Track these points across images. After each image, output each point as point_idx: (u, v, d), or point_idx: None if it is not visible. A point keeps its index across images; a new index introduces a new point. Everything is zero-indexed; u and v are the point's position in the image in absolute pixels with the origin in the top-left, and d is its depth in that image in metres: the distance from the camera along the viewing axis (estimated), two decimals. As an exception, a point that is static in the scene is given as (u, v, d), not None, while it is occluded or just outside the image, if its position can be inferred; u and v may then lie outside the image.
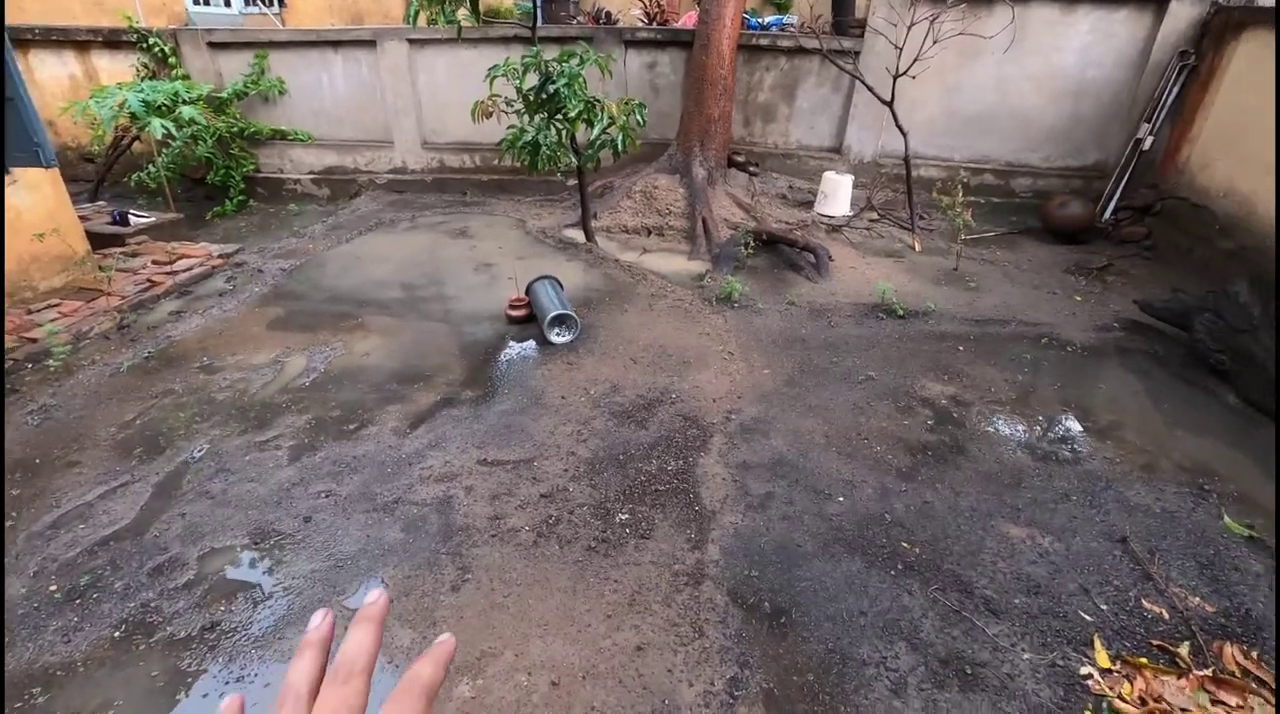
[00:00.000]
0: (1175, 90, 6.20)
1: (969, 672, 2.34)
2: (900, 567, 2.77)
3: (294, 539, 2.88)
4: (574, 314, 4.47)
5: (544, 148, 4.92)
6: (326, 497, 3.12)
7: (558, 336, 4.45)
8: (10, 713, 2.18)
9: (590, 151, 5.26)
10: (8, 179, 4.66)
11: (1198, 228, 5.85)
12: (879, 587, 2.67)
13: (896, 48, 6.01)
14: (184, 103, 6.79)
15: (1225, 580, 2.74)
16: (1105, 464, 3.43)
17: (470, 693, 2.25)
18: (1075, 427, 3.73)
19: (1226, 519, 3.06)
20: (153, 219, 6.37)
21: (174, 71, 7.51)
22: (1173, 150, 6.37)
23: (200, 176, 7.64)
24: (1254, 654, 2.41)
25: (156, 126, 6.41)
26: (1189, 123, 6.18)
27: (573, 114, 4.85)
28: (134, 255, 5.64)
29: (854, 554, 2.82)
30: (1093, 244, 6.35)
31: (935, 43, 6.00)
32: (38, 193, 4.79)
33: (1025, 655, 2.40)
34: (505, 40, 7.18)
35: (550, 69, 4.89)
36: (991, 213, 6.81)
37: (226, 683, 2.28)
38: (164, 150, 7.03)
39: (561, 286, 4.79)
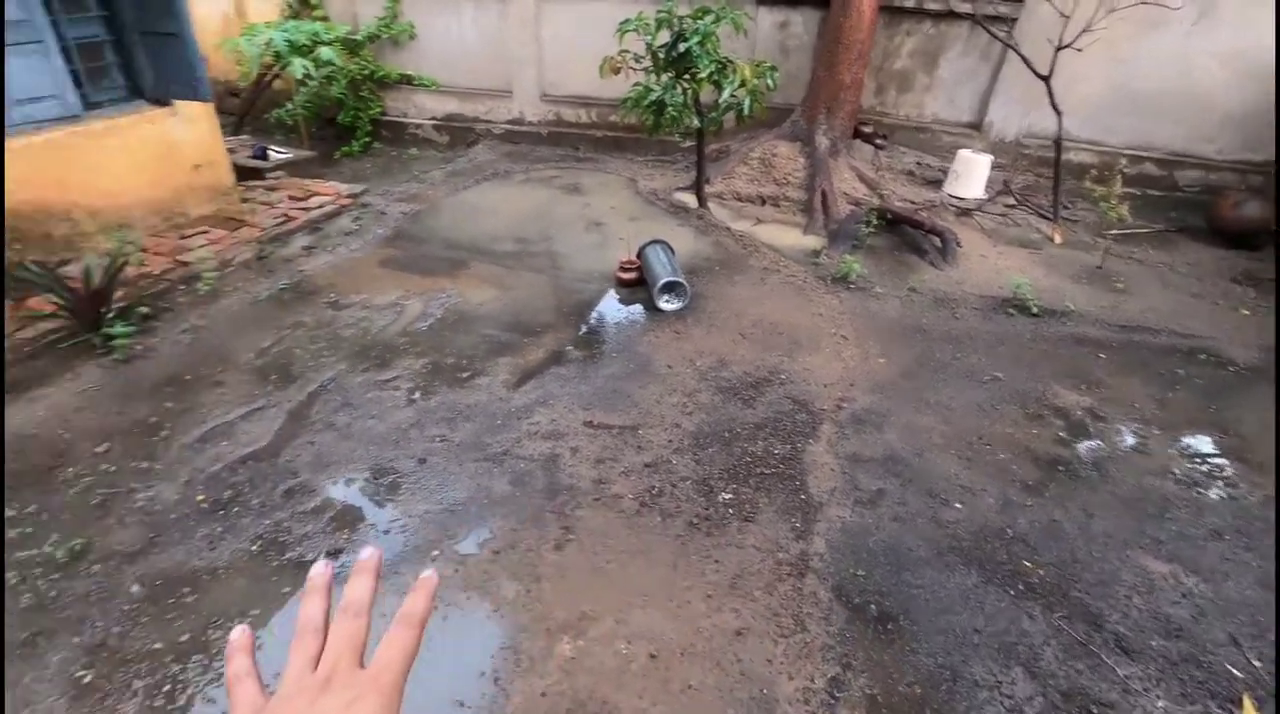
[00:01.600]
0: (1401, 78, 5.31)
1: (1094, 712, 2.17)
2: (1021, 587, 2.59)
3: (409, 479, 3.01)
4: (685, 282, 4.39)
5: (669, 108, 4.79)
6: (440, 441, 3.23)
7: (667, 303, 4.39)
8: (164, 614, 2.40)
9: (715, 114, 5.09)
10: (168, 111, 5.00)
11: (1406, 242, 5.05)
12: (996, 605, 2.52)
13: (1064, 16, 5.42)
14: (322, 44, 7.05)
15: None
16: (1267, 503, 3.07)
17: (571, 652, 2.29)
18: (1233, 457, 3.35)
19: None
20: (289, 155, 6.72)
21: (314, 12, 7.79)
22: (1386, 149, 5.49)
23: (332, 117, 7.96)
24: None
25: (297, 66, 6.70)
26: None
27: (703, 74, 4.69)
28: (272, 189, 5.97)
29: (970, 566, 2.67)
30: (1267, 251, 5.62)
31: (1111, 11, 5.36)
32: (195, 126, 5.12)
33: (1160, 703, 2.21)
34: (633, -8, 6.99)
35: (684, 26, 4.72)
36: (1147, 207, 6.13)
37: (348, 608, 2.43)
38: (301, 89, 7.35)
39: (673, 252, 4.71)
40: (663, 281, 4.32)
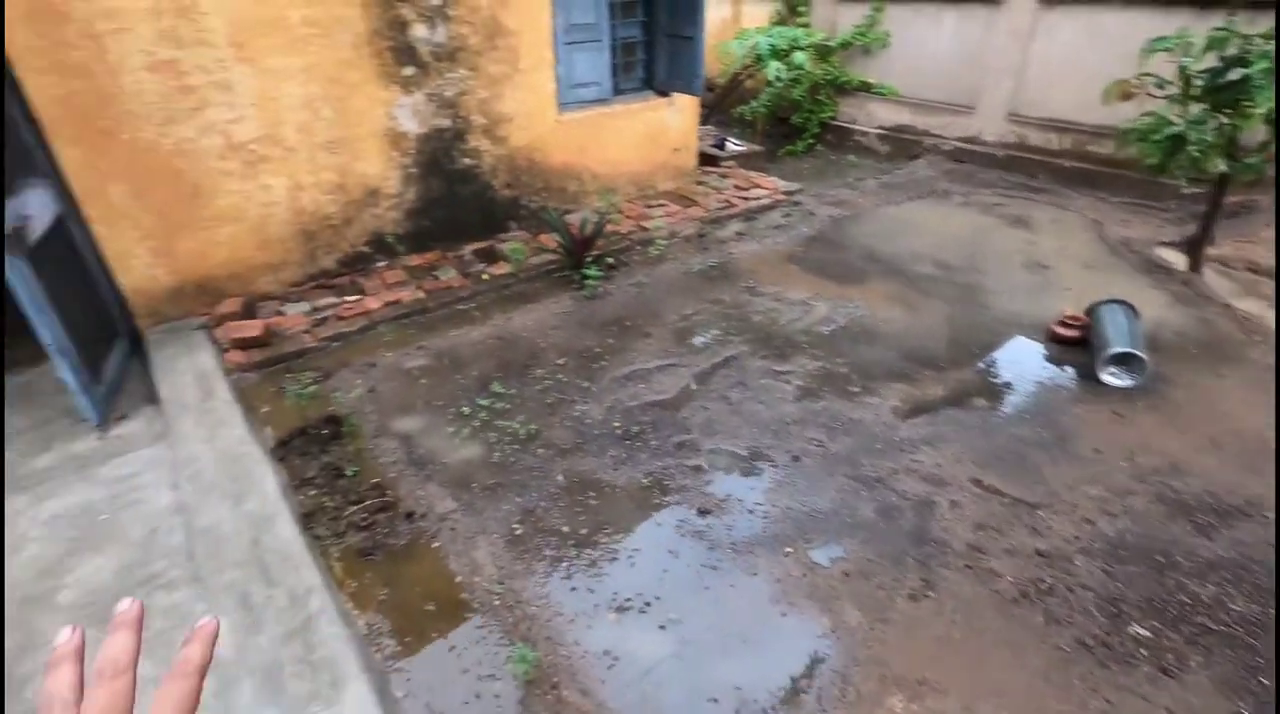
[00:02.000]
0: None
1: None
2: None
3: (781, 471, 3.14)
4: (1145, 357, 3.60)
5: (1191, 145, 3.88)
6: (816, 446, 3.28)
7: (1113, 377, 3.66)
8: (574, 506, 2.97)
9: (1256, 160, 3.98)
10: (666, 101, 5.93)
11: None
12: None
13: None
14: (799, 49, 7.52)
15: None
16: None
17: (903, 712, 2.15)
18: None
19: None
20: (742, 148, 7.42)
21: (798, 19, 8.35)
22: None
23: (785, 116, 8.51)
24: None
25: (772, 69, 7.30)
26: None
27: (1259, 109, 3.67)
28: (723, 177, 6.69)
29: None
30: None
31: None
32: (682, 115, 6.01)
33: None
34: (1169, 2, 5.79)
35: (1249, 48, 3.74)
36: None
37: (703, 565, 2.67)
38: (767, 89, 8.00)
39: (1138, 318, 3.88)
40: (1116, 350, 3.60)
